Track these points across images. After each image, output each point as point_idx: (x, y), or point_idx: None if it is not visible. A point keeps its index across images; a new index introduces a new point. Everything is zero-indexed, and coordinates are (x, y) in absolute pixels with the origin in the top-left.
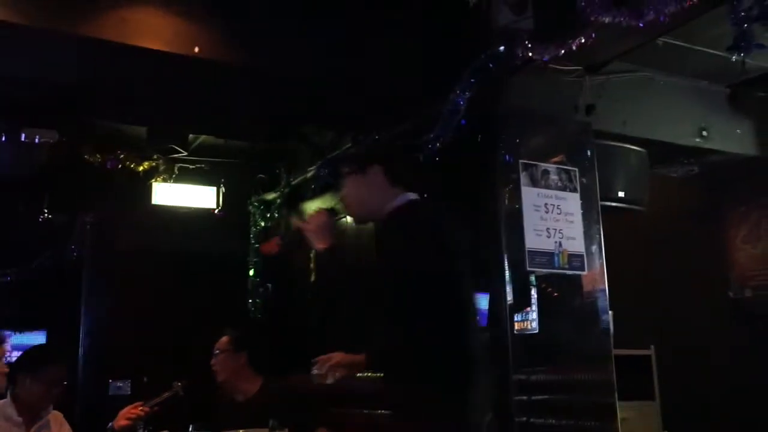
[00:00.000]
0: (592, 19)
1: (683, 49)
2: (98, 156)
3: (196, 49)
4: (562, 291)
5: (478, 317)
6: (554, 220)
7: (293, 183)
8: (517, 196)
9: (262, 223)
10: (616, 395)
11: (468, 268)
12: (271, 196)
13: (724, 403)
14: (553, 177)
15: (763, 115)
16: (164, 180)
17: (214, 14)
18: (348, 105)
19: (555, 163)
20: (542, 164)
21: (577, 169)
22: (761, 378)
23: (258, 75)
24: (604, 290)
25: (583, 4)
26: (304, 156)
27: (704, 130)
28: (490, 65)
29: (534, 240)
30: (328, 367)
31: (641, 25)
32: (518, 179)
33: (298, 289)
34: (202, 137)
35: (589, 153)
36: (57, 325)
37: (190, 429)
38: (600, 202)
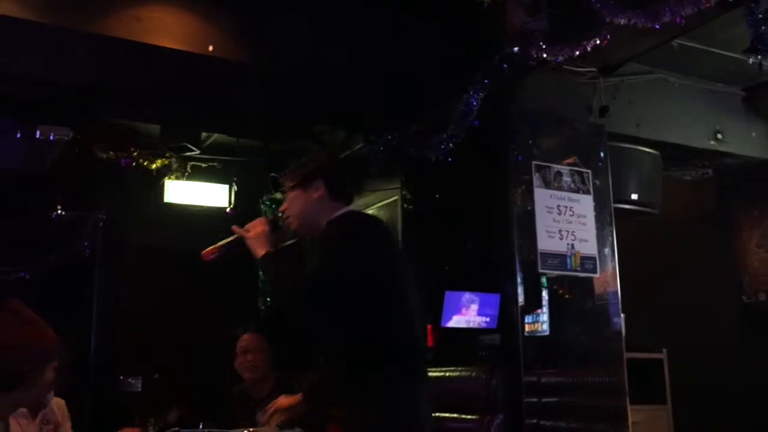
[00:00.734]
0: (607, 20)
1: (699, 51)
2: (111, 153)
3: (210, 48)
4: (573, 293)
5: (419, 314)
6: (567, 221)
7: None
8: (529, 197)
9: None
10: (628, 399)
11: (407, 270)
12: (282, 195)
13: (736, 409)
14: (566, 178)
15: None
16: (177, 178)
17: (227, 13)
18: (360, 105)
19: (568, 164)
20: (555, 165)
21: (590, 171)
22: None
23: (270, 74)
24: (617, 293)
25: (598, 5)
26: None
27: (719, 132)
28: (504, 66)
29: (546, 242)
30: (269, 414)
31: (657, 27)
32: (531, 180)
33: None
34: (215, 136)
35: (602, 155)
36: (69, 322)
37: (200, 427)
38: (613, 205)
